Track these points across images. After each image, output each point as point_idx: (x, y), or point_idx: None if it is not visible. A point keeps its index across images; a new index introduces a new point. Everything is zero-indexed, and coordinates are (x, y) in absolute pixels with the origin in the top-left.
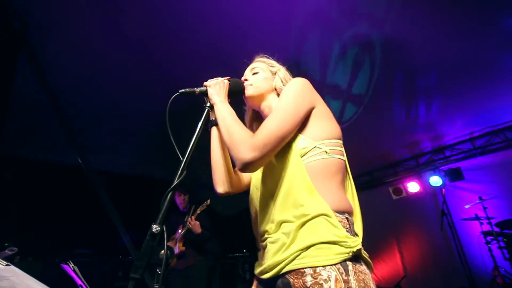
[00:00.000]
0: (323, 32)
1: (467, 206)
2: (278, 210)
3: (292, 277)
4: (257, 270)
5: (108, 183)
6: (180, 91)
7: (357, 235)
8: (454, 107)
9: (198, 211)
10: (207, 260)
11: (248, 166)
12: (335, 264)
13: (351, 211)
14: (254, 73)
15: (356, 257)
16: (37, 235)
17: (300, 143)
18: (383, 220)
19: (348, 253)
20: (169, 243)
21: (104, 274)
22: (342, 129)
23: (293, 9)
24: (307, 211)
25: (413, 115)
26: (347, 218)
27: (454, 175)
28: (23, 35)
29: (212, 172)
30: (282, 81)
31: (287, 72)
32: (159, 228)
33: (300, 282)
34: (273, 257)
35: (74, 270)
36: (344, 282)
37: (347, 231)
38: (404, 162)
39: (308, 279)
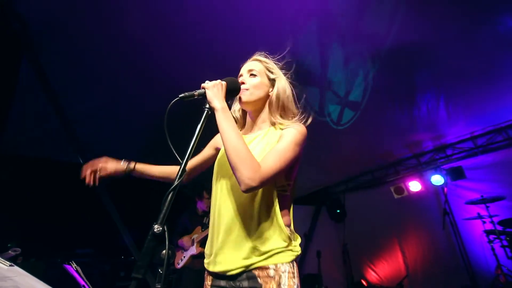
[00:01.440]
0: (323, 31)
1: (467, 203)
2: (251, 225)
3: (257, 271)
4: (218, 268)
5: (109, 183)
6: (179, 95)
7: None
8: (455, 105)
9: None
10: None
11: (252, 191)
12: (289, 262)
13: (290, 223)
14: (251, 75)
15: (296, 258)
16: (39, 235)
17: (278, 179)
18: (385, 220)
19: (294, 255)
20: (186, 242)
21: (106, 274)
22: (343, 129)
23: (293, 10)
24: (275, 232)
25: (414, 114)
26: (290, 229)
27: (455, 174)
28: (24, 36)
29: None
30: (279, 95)
31: (287, 82)
32: (161, 228)
33: (264, 273)
34: (242, 258)
35: (76, 271)
36: (292, 273)
37: (292, 239)
38: (405, 161)
39: (271, 272)
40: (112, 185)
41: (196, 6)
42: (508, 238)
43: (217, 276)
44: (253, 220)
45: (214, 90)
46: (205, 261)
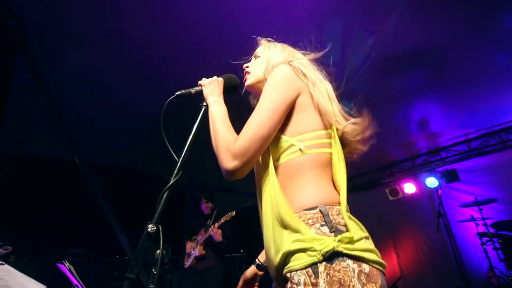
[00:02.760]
0: (319, 29)
1: (461, 206)
2: (263, 216)
3: (285, 280)
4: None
5: (104, 183)
6: (176, 93)
7: (336, 225)
8: (450, 109)
9: (223, 220)
10: (222, 262)
11: (232, 175)
12: (304, 268)
13: (327, 200)
14: (257, 57)
15: (334, 256)
16: (32, 235)
17: (276, 143)
18: (380, 221)
19: (315, 256)
20: (190, 244)
21: (100, 273)
22: None
23: (291, 7)
24: (280, 223)
25: (408, 116)
26: (320, 210)
27: (450, 177)
28: (19, 34)
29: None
30: (268, 69)
31: (280, 53)
32: (155, 228)
33: (286, 285)
34: (273, 266)
35: (69, 270)
36: (312, 285)
37: (322, 225)
38: (400, 164)
39: (289, 284)
40: (107, 185)
41: (194, 5)
42: (500, 241)
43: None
44: (266, 214)
45: (210, 87)
46: None
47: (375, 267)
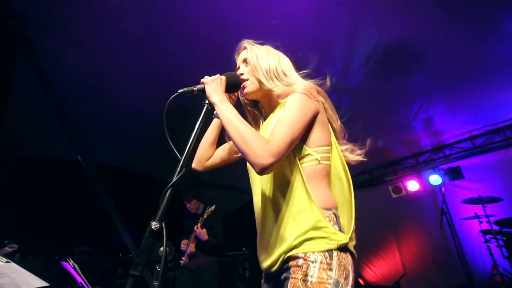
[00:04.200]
0: (322, 29)
1: (464, 202)
2: (280, 211)
3: (290, 261)
4: (264, 265)
5: (107, 182)
6: (178, 91)
7: (342, 227)
8: (454, 105)
9: (205, 216)
10: (215, 260)
11: (267, 170)
12: (322, 251)
13: (336, 206)
14: (248, 63)
15: (342, 249)
16: (37, 233)
17: (298, 149)
18: (383, 219)
19: (333, 244)
20: (184, 242)
21: (104, 271)
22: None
23: (290, 6)
24: (304, 215)
25: (412, 114)
26: (334, 213)
27: (453, 174)
28: (21, 34)
29: (198, 150)
30: (273, 73)
31: (264, 48)
32: (158, 225)
33: (294, 263)
34: (278, 251)
35: (74, 268)
36: (327, 264)
37: (334, 224)
38: (403, 161)
39: (300, 261)
40: (111, 183)
41: (196, 3)
42: (504, 238)
43: (265, 273)
44: (283, 206)
45: (213, 84)
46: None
47: (355, 262)
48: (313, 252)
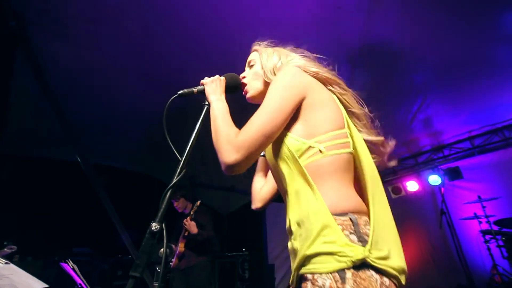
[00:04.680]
0: (319, 30)
1: (465, 203)
2: (290, 217)
3: (303, 283)
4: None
5: (107, 182)
6: (178, 92)
7: (362, 236)
8: (453, 106)
9: (192, 212)
10: (208, 259)
11: (231, 169)
12: (331, 272)
13: (356, 209)
14: (251, 66)
15: (360, 266)
16: (36, 234)
17: (293, 145)
18: None
19: (345, 262)
20: (175, 245)
21: (103, 273)
22: None
23: (290, 6)
24: (309, 223)
25: (411, 114)
26: (350, 218)
27: (453, 174)
28: (20, 34)
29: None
30: (270, 73)
31: (273, 50)
32: (158, 226)
33: (305, 285)
34: (293, 265)
35: (73, 269)
36: None
37: (350, 233)
38: (403, 161)
39: (309, 285)
40: (110, 183)
41: (196, 3)
42: (504, 238)
43: None
44: (290, 213)
45: (212, 85)
46: None
47: (393, 282)
48: (321, 274)
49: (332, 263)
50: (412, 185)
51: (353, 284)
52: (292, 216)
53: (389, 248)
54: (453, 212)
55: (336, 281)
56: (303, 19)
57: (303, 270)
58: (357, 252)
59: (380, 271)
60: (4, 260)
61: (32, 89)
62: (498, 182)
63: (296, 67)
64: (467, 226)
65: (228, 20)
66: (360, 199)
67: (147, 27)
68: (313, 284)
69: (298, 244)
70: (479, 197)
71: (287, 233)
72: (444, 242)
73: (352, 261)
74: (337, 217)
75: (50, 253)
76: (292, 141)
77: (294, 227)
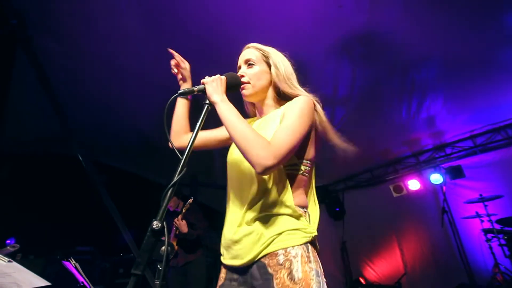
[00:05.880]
0: (317, 27)
1: (467, 202)
2: (255, 207)
3: (267, 259)
4: (228, 259)
5: (108, 181)
6: (179, 91)
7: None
8: (455, 104)
9: (184, 211)
10: (206, 257)
11: (268, 171)
12: (300, 245)
13: (307, 206)
14: (249, 65)
15: (312, 241)
16: (38, 233)
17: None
18: (384, 218)
19: (309, 237)
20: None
21: (105, 271)
22: (340, 128)
23: (290, 5)
24: (281, 209)
25: (413, 112)
26: (305, 211)
27: (454, 173)
28: (21, 32)
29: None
30: (278, 70)
31: (282, 56)
32: (160, 224)
33: (274, 261)
34: (252, 246)
35: (75, 267)
36: (307, 257)
37: (306, 221)
38: (404, 160)
39: (281, 258)
40: (112, 182)
41: (196, 2)
42: (505, 237)
43: (231, 269)
44: (261, 204)
45: (213, 85)
46: (221, 253)
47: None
48: (293, 247)
49: (301, 238)
50: (413, 184)
51: (313, 254)
52: (256, 210)
53: None
54: (455, 211)
55: (304, 251)
56: (303, 17)
57: (271, 249)
58: (313, 230)
59: (316, 248)
60: (7, 258)
61: (32, 87)
62: (500, 180)
63: (312, 100)
64: (469, 225)
65: (225, 19)
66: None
67: (147, 27)
68: (285, 256)
69: (263, 231)
70: (481, 195)
71: (236, 223)
72: (446, 241)
73: (312, 236)
74: (299, 208)
75: (52, 251)
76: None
77: (256, 219)
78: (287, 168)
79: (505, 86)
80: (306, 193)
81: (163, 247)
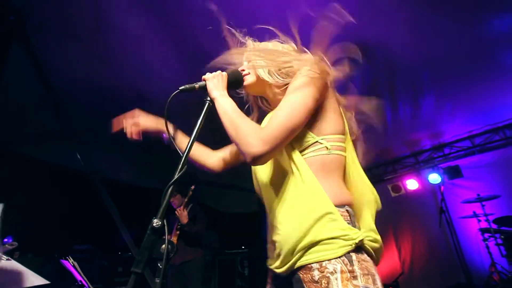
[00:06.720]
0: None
1: (464, 202)
2: (285, 209)
3: (302, 272)
4: (271, 265)
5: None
6: (179, 88)
7: (357, 225)
8: (453, 105)
9: (186, 200)
10: (204, 256)
11: (258, 160)
12: (339, 257)
13: (351, 203)
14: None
15: (358, 248)
16: (36, 231)
17: (301, 137)
18: (382, 217)
19: (351, 245)
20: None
21: (104, 269)
22: None
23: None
24: (312, 211)
25: (412, 113)
26: (347, 210)
27: (453, 173)
28: (19, 29)
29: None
30: (274, 80)
31: (264, 43)
32: (160, 223)
33: (308, 276)
34: (285, 254)
35: (73, 266)
36: (349, 272)
37: (348, 223)
38: (403, 160)
39: (316, 273)
40: (110, 181)
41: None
42: (502, 237)
43: (274, 275)
44: (286, 210)
45: (214, 81)
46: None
47: (375, 263)
48: (329, 260)
49: (339, 249)
50: (412, 184)
51: (359, 265)
52: (286, 213)
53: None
54: (453, 211)
55: (345, 264)
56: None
57: (305, 261)
58: (359, 234)
59: (369, 254)
60: (5, 257)
61: (30, 85)
62: (497, 181)
63: (320, 66)
64: (466, 224)
65: (227, 10)
66: (350, 195)
67: (147, 26)
68: (321, 272)
69: (290, 233)
70: (478, 195)
71: (273, 228)
72: (444, 240)
73: (355, 243)
74: (338, 208)
75: (50, 250)
76: (303, 134)
77: (287, 223)
78: (306, 151)
79: (504, 87)
80: (345, 179)
81: (163, 246)
